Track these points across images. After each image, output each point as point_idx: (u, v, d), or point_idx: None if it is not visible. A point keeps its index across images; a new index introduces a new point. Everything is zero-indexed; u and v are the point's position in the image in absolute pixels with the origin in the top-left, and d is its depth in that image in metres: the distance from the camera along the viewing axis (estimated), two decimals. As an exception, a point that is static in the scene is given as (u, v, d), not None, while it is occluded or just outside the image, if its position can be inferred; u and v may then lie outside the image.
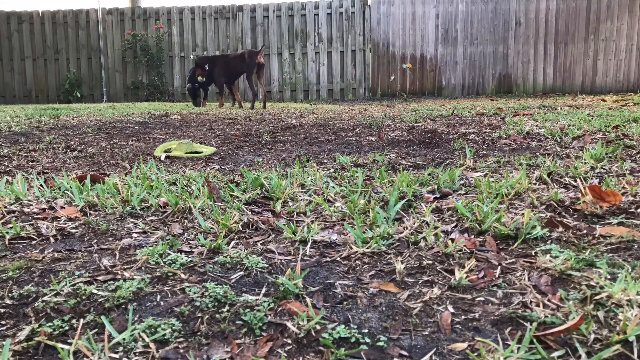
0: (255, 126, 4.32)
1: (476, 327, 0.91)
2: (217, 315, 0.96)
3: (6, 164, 2.69)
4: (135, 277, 1.12)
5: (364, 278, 1.12)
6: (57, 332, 0.91)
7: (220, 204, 1.72)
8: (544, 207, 1.56)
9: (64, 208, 1.66)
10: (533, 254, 1.22)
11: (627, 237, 1.27)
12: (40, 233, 1.43)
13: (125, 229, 1.48)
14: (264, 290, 1.07)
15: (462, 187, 1.88)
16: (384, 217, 1.49)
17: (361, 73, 10.55)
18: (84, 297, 1.03)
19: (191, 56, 10.38)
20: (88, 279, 1.12)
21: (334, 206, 1.66)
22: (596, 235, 1.31)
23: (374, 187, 1.91)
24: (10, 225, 1.46)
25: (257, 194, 1.82)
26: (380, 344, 0.86)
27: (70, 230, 1.46)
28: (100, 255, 1.27)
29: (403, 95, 10.37)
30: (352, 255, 1.25)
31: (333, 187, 1.89)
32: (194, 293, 1.04)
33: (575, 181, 1.86)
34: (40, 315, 0.97)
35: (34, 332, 0.91)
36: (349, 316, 0.96)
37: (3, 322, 0.95)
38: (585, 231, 1.35)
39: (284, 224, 1.46)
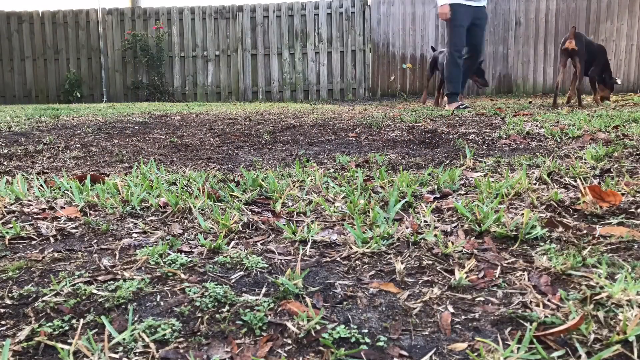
0: (255, 126, 4.32)
1: (476, 327, 0.91)
2: (217, 315, 0.96)
3: (6, 164, 2.69)
4: (135, 277, 1.12)
5: (364, 278, 1.12)
6: (57, 332, 0.91)
7: (220, 204, 1.72)
8: (543, 207, 1.56)
9: (64, 208, 1.66)
10: (533, 254, 1.22)
11: (627, 237, 1.27)
12: (40, 233, 1.43)
13: (125, 229, 1.48)
14: (264, 290, 1.07)
15: (462, 187, 1.88)
16: (384, 217, 1.49)
17: (361, 73, 10.55)
18: (84, 297, 1.03)
19: None
20: (88, 279, 1.12)
21: (334, 206, 1.65)
22: (596, 235, 1.31)
23: (374, 187, 1.91)
24: (10, 225, 1.46)
25: (257, 194, 1.82)
26: (380, 344, 0.86)
27: (70, 230, 1.46)
28: (100, 255, 1.27)
29: (403, 95, 10.36)
30: (352, 255, 1.25)
31: (333, 187, 1.89)
32: (194, 293, 1.04)
33: (575, 181, 1.86)
34: (40, 315, 0.97)
35: (34, 332, 0.91)
36: (349, 316, 0.96)
37: (3, 322, 0.95)
38: (585, 231, 1.35)
39: (284, 224, 1.46)
